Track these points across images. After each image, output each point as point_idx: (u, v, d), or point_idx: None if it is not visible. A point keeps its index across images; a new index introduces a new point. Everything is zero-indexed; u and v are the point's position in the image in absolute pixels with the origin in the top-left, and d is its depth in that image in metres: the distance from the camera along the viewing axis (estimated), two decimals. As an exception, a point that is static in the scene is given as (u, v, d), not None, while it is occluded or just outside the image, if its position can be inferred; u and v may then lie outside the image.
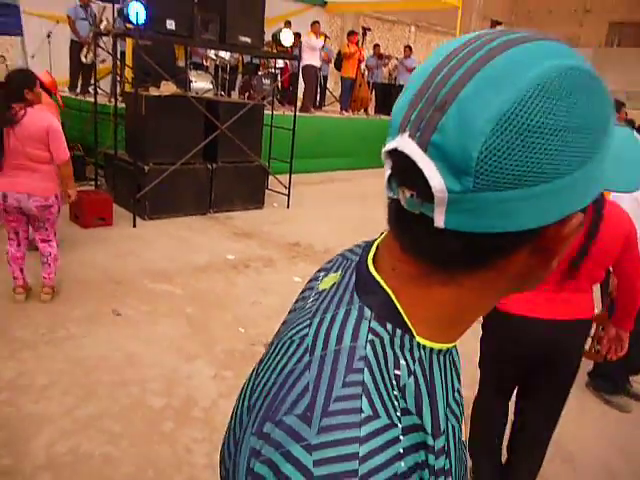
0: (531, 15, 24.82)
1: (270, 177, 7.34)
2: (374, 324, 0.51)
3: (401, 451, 0.45)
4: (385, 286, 0.53)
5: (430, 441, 0.48)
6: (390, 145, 0.47)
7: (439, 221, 0.46)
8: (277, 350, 0.56)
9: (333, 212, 7.12)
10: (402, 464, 0.45)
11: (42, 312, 3.73)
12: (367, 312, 0.52)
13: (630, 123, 8.69)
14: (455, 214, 0.45)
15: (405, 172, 0.46)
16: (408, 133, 0.45)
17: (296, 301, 0.68)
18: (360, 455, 0.44)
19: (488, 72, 0.43)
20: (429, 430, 0.49)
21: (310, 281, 0.68)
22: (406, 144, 0.45)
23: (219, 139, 6.30)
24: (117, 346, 3.41)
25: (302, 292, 0.68)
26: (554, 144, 0.43)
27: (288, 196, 7.18)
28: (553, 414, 2.21)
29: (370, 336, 0.50)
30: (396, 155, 0.46)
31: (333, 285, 0.59)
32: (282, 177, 7.21)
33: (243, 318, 3.90)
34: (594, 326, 2.76)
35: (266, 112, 7.30)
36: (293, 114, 7.15)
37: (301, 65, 10.27)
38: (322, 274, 0.66)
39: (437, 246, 0.49)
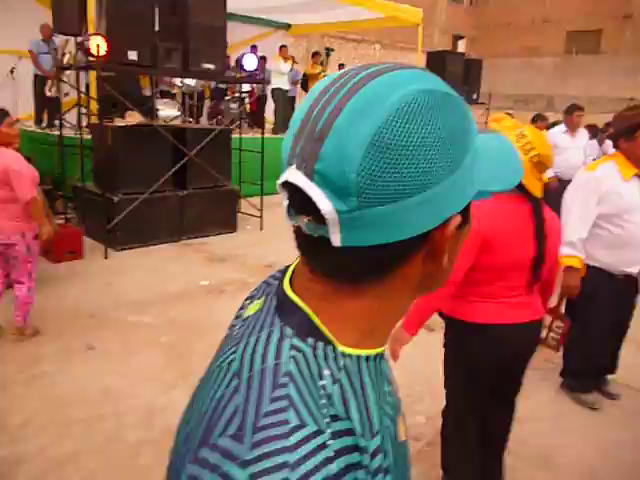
0: (492, 28, 25.48)
1: (243, 200, 7.36)
2: (295, 341, 0.54)
3: (331, 454, 0.47)
4: (302, 305, 0.57)
5: (362, 443, 0.51)
6: (282, 178, 0.51)
7: (335, 240, 0.50)
8: (208, 379, 0.59)
9: (307, 231, 7.13)
10: (333, 466, 0.47)
11: (14, 351, 3.67)
12: (288, 331, 0.55)
13: (593, 127, 8.95)
14: (348, 232, 0.50)
15: (299, 201, 0.50)
16: (295, 165, 0.50)
17: (228, 329, 0.70)
18: (290, 463, 0.46)
19: (356, 102, 0.49)
20: (360, 432, 0.51)
21: (239, 310, 0.71)
22: (295, 175, 0.50)
23: (188, 165, 6.31)
24: (92, 381, 3.36)
25: (233, 320, 0.71)
26: (421, 158, 0.48)
27: (261, 218, 7.21)
28: (514, 409, 2.30)
29: (292, 352, 0.53)
30: (289, 186, 0.51)
31: (257, 311, 0.62)
32: (255, 199, 7.24)
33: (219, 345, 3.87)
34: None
35: (236, 135, 7.35)
36: (261, 136, 7.21)
37: (270, 88, 10.42)
38: (248, 302, 0.69)
39: (339, 263, 0.53)
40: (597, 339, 3.21)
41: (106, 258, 5.67)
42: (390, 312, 0.59)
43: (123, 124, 5.73)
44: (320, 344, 0.54)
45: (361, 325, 0.57)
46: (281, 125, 10.67)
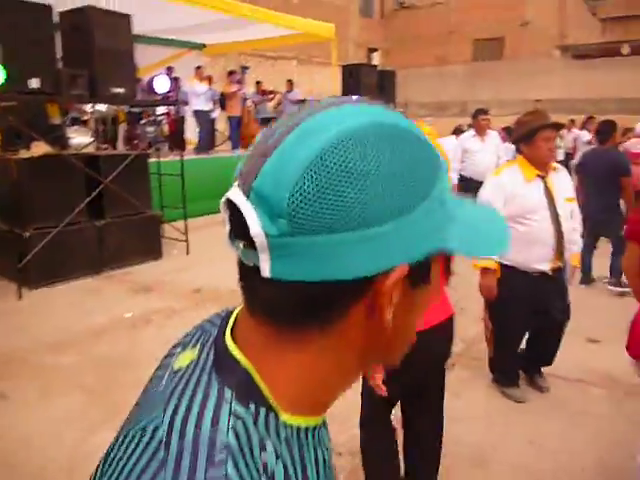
0: (403, 40, 26.43)
1: (166, 225, 7.15)
2: (236, 406, 0.47)
3: None
4: (244, 361, 0.50)
5: None
6: (224, 197, 0.47)
7: (265, 270, 0.45)
8: (126, 444, 0.48)
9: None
10: None
11: None
12: (227, 393, 0.48)
13: (508, 129, 9.36)
14: (278, 260, 0.44)
15: (237, 222, 0.46)
16: (238, 182, 0.47)
17: (150, 380, 0.60)
18: None
19: (307, 125, 0.46)
20: None
21: (165, 357, 0.62)
22: (234, 193, 0.46)
23: (104, 194, 6.06)
24: (8, 432, 3.11)
25: (157, 369, 0.61)
26: (364, 189, 0.44)
27: (186, 242, 7.02)
28: (440, 410, 2.31)
29: (232, 421, 0.46)
30: (229, 206, 0.47)
31: (190, 363, 0.54)
32: (179, 223, 7.04)
33: (147, 378, 3.70)
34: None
35: (155, 159, 7.14)
36: (180, 159, 7.04)
37: (193, 109, 10.31)
38: (178, 349, 0.60)
39: (272, 299, 0.47)
40: (514, 335, 3.32)
41: (20, 298, 5.31)
42: (336, 372, 0.52)
43: (28, 156, 5.42)
44: (262, 410, 0.48)
45: (305, 384, 0.50)
46: (204, 145, 10.57)
